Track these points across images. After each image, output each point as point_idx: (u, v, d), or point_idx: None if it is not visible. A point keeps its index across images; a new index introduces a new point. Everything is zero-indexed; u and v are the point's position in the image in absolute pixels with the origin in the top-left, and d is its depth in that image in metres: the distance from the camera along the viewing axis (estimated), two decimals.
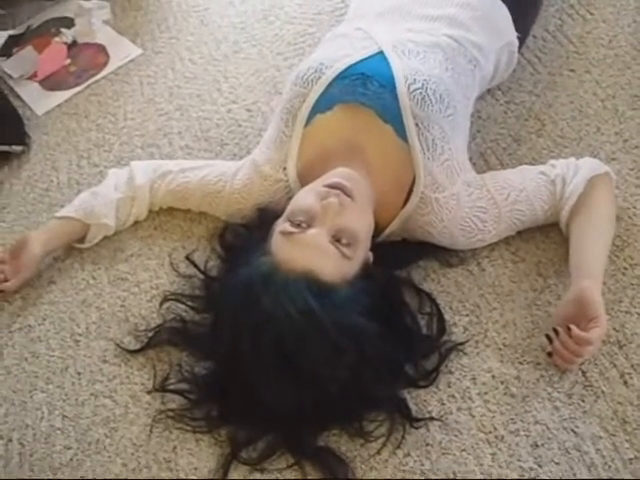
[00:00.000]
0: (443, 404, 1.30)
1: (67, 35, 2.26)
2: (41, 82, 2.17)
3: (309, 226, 1.25)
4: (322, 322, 1.15)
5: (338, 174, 1.32)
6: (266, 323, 1.16)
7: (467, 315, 1.41)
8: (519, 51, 1.73)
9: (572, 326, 1.24)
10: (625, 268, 1.42)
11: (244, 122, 1.87)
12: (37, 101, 2.11)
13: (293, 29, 2.10)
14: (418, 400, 1.31)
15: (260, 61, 2.03)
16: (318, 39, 1.87)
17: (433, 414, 1.29)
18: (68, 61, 2.21)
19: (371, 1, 1.70)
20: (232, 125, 1.87)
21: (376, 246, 1.38)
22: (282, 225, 1.28)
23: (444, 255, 1.47)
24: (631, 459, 1.21)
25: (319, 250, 1.22)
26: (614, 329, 1.34)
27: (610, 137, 1.64)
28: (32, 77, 2.18)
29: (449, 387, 1.32)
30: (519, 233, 1.48)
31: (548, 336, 1.31)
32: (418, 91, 1.39)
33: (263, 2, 2.22)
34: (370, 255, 1.35)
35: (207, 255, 1.55)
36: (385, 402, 1.27)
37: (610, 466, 1.21)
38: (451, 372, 1.34)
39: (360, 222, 1.29)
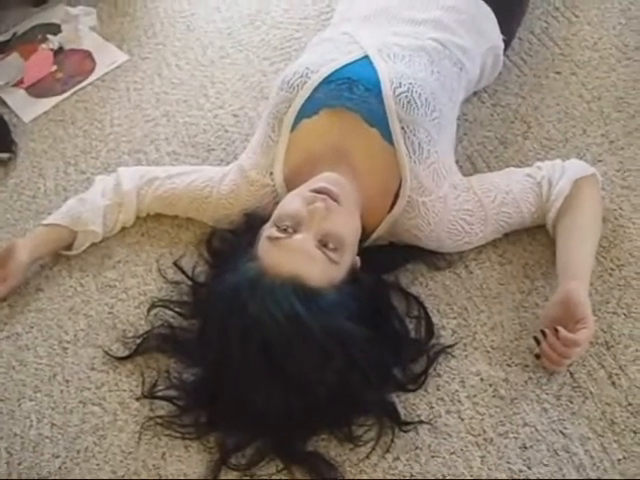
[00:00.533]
0: (432, 407, 1.31)
1: (53, 41, 2.24)
2: (27, 89, 2.15)
3: (295, 231, 1.25)
4: (309, 327, 1.15)
5: (324, 179, 1.32)
6: (253, 328, 1.16)
7: (455, 318, 1.41)
8: (505, 54, 1.74)
9: (559, 328, 1.24)
10: (612, 269, 1.43)
11: (231, 127, 1.86)
12: (23, 108, 2.10)
13: (279, 34, 2.10)
14: (407, 404, 1.31)
15: (247, 66, 2.03)
16: (304, 44, 1.87)
17: (422, 417, 1.29)
18: (54, 68, 2.20)
19: (357, 5, 1.70)
20: (219, 130, 1.86)
21: (363, 250, 1.38)
22: (269, 230, 1.28)
23: (432, 258, 1.48)
24: (619, 459, 1.22)
25: (305, 255, 1.22)
26: (602, 330, 1.35)
27: (596, 139, 1.65)
28: (18, 84, 2.17)
29: (438, 390, 1.33)
30: (506, 235, 1.49)
31: (536, 338, 1.31)
32: (404, 95, 1.39)
33: (249, 7, 2.22)
34: (357, 260, 1.35)
35: (195, 261, 1.54)
36: (374, 406, 1.27)
37: (599, 467, 1.22)
38: (439, 375, 1.34)
39: (347, 227, 1.30)
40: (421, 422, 1.28)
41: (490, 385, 1.32)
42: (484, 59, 1.65)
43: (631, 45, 1.82)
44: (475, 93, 1.76)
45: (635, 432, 1.24)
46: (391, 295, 1.38)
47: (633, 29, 1.86)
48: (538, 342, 1.30)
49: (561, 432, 1.26)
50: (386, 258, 1.45)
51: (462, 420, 1.29)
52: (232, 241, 1.42)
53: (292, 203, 1.29)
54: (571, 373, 1.31)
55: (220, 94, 1.97)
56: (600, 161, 1.60)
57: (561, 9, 1.94)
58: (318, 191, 1.29)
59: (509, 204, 1.42)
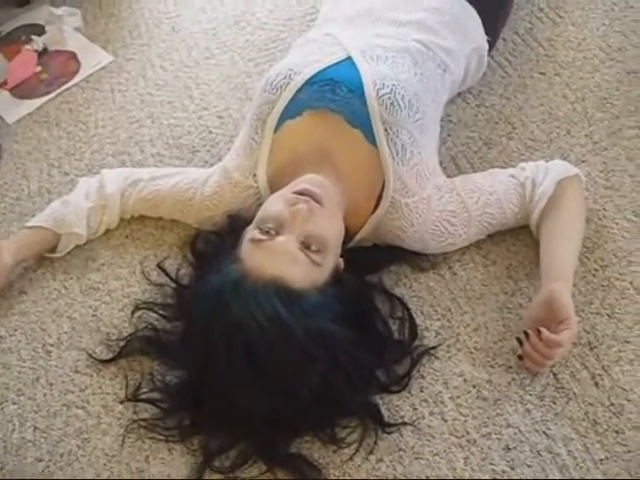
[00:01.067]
0: (415, 409, 1.31)
1: (38, 42, 2.23)
2: (11, 90, 2.14)
3: (278, 233, 1.25)
4: (291, 329, 1.15)
5: (307, 180, 1.32)
6: (236, 330, 1.16)
7: (439, 319, 1.41)
8: (489, 54, 1.74)
9: (542, 329, 1.25)
10: (595, 269, 1.44)
11: (215, 129, 1.86)
12: (7, 109, 2.08)
13: (264, 35, 2.09)
14: (390, 405, 1.31)
15: (231, 67, 2.02)
16: (289, 44, 1.86)
17: (405, 419, 1.29)
18: (39, 69, 2.18)
19: (341, 6, 1.70)
20: (203, 132, 1.86)
21: (347, 252, 1.38)
22: (251, 232, 1.27)
23: (415, 259, 1.48)
24: (602, 459, 1.22)
25: (288, 257, 1.22)
26: (585, 331, 1.36)
27: (580, 139, 1.65)
28: (2, 85, 2.15)
29: (421, 392, 1.33)
30: (490, 236, 1.49)
31: (519, 339, 1.31)
32: (387, 96, 1.40)
33: (235, 8, 2.21)
34: (341, 261, 1.35)
35: (179, 263, 1.53)
36: (357, 408, 1.27)
37: (581, 467, 1.22)
38: (423, 377, 1.34)
39: (330, 228, 1.29)
40: (404, 424, 1.28)
41: (473, 386, 1.32)
42: (468, 60, 1.66)
43: (614, 46, 1.83)
44: (459, 94, 1.76)
45: (617, 432, 1.24)
46: (375, 297, 1.38)
47: (616, 30, 1.87)
48: (521, 343, 1.30)
49: (544, 433, 1.26)
50: (370, 259, 1.45)
51: (445, 421, 1.29)
52: (216, 243, 1.42)
53: (275, 205, 1.29)
54: (554, 374, 1.32)
55: (205, 95, 1.96)
56: (584, 161, 1.60)
57: (545, 10, 1.95)
58: (301, 193, 1.29)
59: (492, 205, 1.43)
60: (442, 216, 1.41)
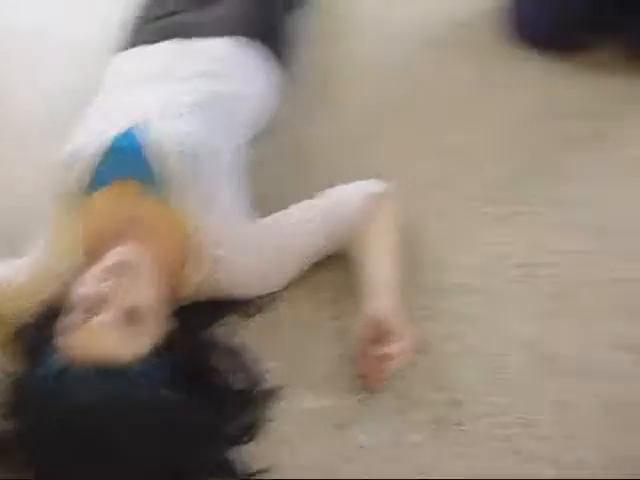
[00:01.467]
0: (270, 453, 1.30)
1: None
2: None
3: (95, 313, 1.22)
4: (119, 406, 1.13)
5: (115, 254, 1.30)
6: (65, 421, 1.12)
7: (277, 360, 1.41)
8: (279, 91, 1.77)
9: (370, 346, 1.29)
10: (415, 275, 1.49)
11: (23, 213, 1.76)
12: None
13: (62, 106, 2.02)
14: (247, 454, 1.28)
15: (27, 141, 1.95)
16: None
17: (262, 465, 1.27)
18: None
19: (126, 70, 1.70)
20: (7, 218, 1.76)
21: (176, 312, 1.37)
22: (68, 317, 1.24)
23: (242, 307, 1.47)
24: (457, 455, 1.27)
25: (107, 335, 1.20)
26: (416, 336, 1.39)
27: (381, 156, 1.72)
28: None
29: (273, 435, 1.32)
30: (312, 266, 1.51)
31: (354, 361, 1.35)
32: (181, 154, 1.40)
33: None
34: (171, 323, 1.33)
35: (4, 361, 1.46)
36: (208, 467, 1.25)
37: (439, 468, 1.26)
38: (271, 420, 1.33)
39: (146, 298, 1.28)
40: (262, 471, 1.26)
41: (322, 417, 1.34)
42: (260, 102, 1.69)
43: (395, 62, 1.94)
44: (256, 135, 1.76)
45: (458, 424, 1.31)
46: (210, 352, 1.36)
47: (397, 45, 1.98)
48: (357, 364, 1.34)
49: (399, 443, 1.30)
50: (199, 316, 1.43)
51: (301, 458, 1.30)
52: (36, 335, 1.36)
53: (85, 285, 1.27)
54: (394, 386, 1.35)
55: (9, 180, 1.87)
56: (389, 176, 1.61)
57: (324, 38, 2.03)
58: (110, 269, 1.27)
59: (302, 239, 1.46)
60: (256, 260, 1.43)
